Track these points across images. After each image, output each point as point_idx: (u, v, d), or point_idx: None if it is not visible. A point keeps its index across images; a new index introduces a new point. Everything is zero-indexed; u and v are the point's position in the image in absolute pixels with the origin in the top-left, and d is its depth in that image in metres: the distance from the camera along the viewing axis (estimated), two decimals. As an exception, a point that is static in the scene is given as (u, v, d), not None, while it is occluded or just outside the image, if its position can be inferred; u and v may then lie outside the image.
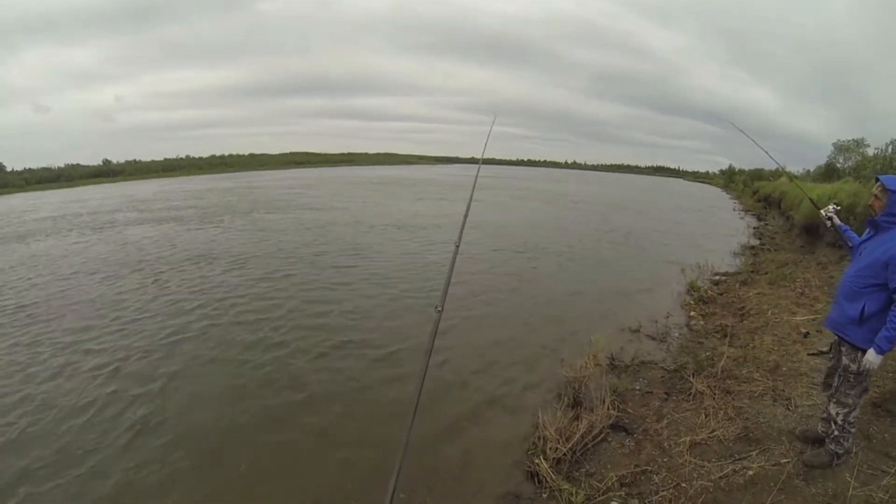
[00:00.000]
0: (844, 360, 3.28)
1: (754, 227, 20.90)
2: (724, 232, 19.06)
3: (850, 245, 3.55)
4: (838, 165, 31.62)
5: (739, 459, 3.57)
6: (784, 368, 5.19)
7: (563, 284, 9.37)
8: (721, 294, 8.86)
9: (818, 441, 3.64)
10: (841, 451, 3.40)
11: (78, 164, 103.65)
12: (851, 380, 3.25)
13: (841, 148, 33.33)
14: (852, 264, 3.32)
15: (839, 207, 3.88)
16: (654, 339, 6.48)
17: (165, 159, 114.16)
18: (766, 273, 10.53)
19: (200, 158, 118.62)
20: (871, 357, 3.05)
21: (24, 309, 7.92)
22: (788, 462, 3.48)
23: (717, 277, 10.23)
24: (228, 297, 8.05)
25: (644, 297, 8.49)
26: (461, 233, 2.37)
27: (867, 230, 3.29)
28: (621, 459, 3.69)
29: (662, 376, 5.25)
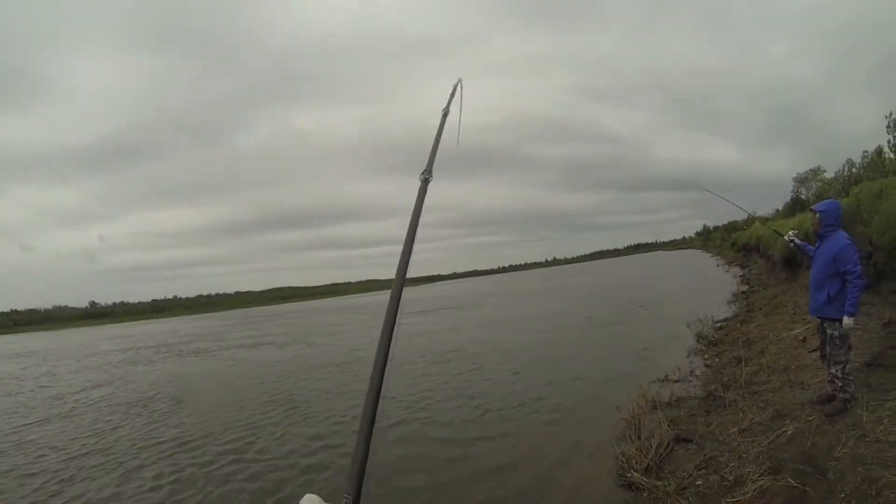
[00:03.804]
0: (829, 331, 4.53)
1: (740, 275, 22.42)
2: (714, 286, 20.50)
3: (810, 255, 5.00)
4: (802, 197, 33.97)
5: (778, 428, 4.54)
6: (793, 367, 6.26)
7: (594, 360, 10.56)
8: (726, 335, 9.97)
9: (831, 398, 4.66)
10: (848, 396, 4.44)
11: (66, 307, 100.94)
12: (838, 343, 4.45)
13: (801, 180, 36.12)
14: (812, 266, 4.78)
15: (797, 231, 5.48)
16: (681, 381, 7.44)
17: (153, 300, 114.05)
18: (761, 308, 11.74)
19: (188, 298, 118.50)
20: (847, 321, 4.33)
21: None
22: (814, 418, 4.47)
23: (718, 324, 11.37)
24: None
25: (662, 353, 9.55)
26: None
27: (816, 242, 4.79)
28: (691, 457, 4.58)
29: (699, 402, 6.18)
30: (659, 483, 4.21)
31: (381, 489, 5.15)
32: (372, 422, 1.17)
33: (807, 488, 3.52)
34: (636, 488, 4.32)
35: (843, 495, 3.34)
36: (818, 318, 4.75)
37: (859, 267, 4.27)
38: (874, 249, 7.69)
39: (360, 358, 13.97)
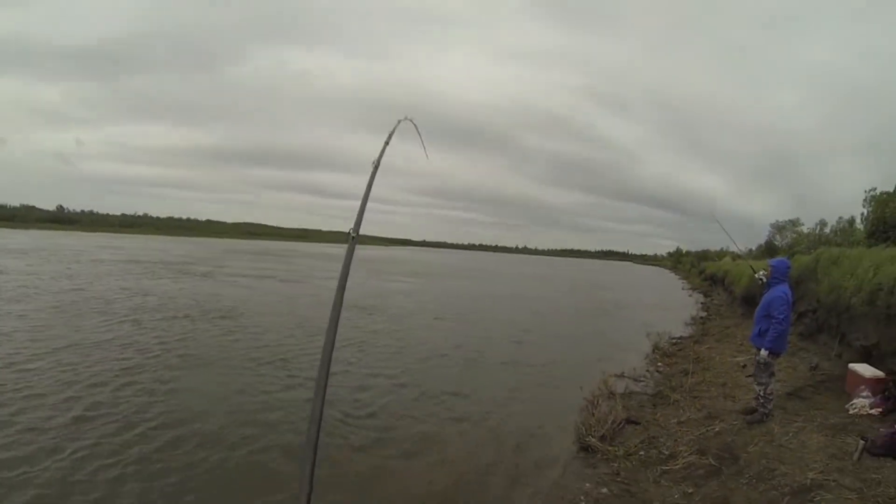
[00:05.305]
0: (756, 358, 5.69)
1: (702, 302, 24.03)
2: (677, 306, 22.14)
3: None
4: (776, 243, 35.85)
5: (709, 425, 5.73)
6: (729, 384, 7.51)
7: (568, 343, 12.46)
8: (679, 350, 11.28)
9: (754, 411, 5.86)
10: (766, 412, 5.63)
11: (33, 207, 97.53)
12: (762, 368, 5.61)
13: (778, 227, 38.05)
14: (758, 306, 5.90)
15: (766, 272, 6.13)
16: (635, 379, 8.63)
17: (123, 215, 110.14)
18: (714, 335, 13.11)
19: (158, 219, 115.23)
20: (762, 353, 5.54)
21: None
22: (737, 423, 5.67)
23: (674, 340, 12.69)
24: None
25: (622, 354, 10.79)
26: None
27: (766, 288, 5.87)
28: (638, 434, 5.73)
29: (648, 398, 7.38)
30: (611, 448, 5.35)
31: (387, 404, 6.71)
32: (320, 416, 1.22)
33: (722, 467, 4.68)
34: (592, 450, 5.43)
35: (747, 476, 4.49)
36: (753, 344, 5.94)
37: (782, 315, 5.43)
38: (819, 306, 8.93)
39: (376, 305, 15.76)
